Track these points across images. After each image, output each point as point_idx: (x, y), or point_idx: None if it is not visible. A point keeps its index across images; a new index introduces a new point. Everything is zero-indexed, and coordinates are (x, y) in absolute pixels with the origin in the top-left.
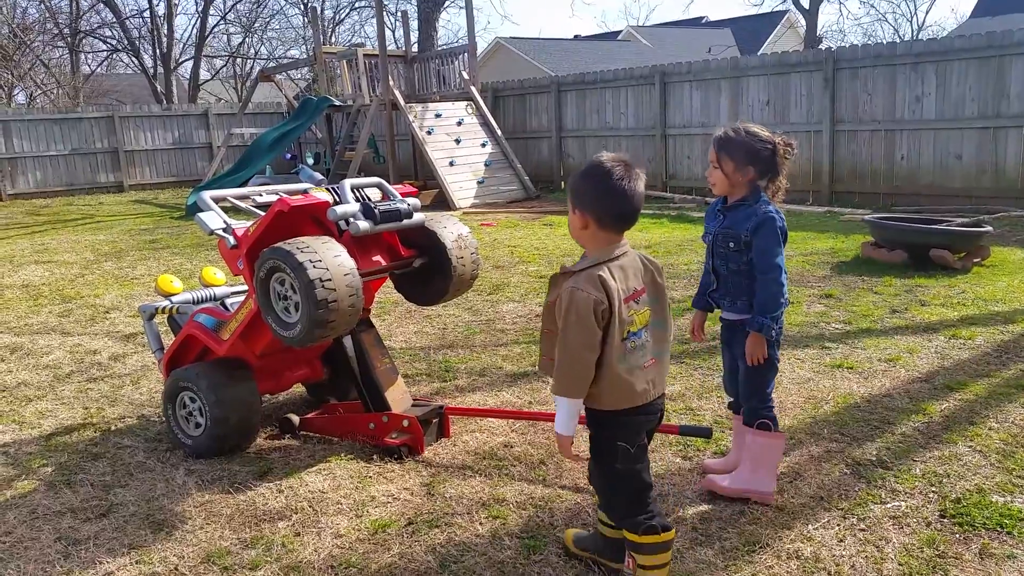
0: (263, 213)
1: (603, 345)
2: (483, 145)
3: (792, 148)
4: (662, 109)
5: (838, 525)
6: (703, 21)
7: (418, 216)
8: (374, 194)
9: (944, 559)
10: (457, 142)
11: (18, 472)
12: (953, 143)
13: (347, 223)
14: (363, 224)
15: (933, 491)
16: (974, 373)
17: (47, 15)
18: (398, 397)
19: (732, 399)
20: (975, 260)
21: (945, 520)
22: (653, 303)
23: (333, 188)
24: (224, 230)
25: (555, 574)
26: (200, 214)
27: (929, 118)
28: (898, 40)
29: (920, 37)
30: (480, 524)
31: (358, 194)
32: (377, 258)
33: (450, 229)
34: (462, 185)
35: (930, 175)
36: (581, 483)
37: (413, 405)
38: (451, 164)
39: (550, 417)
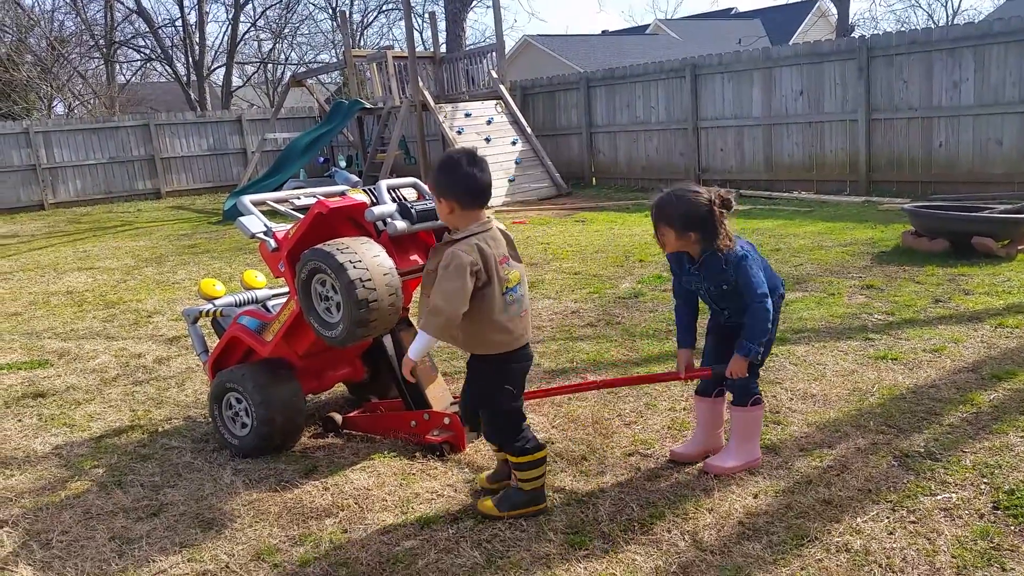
0: (302, 216)
1: (483, 301)
2: (513, 143)
3: (730, 204)
4: (694, 102)
5: (887, 518)
6: (732, 12)
7: None
8: (410, 194)
9: (999, 551)
10: (487, 141)
11: (71, 473)
12: (993, 128)
13: (384, 223)
14: (400, 224)
15: (985, 482)
16: (1022, 362)
17: (83, 27)
18: (438, 395)
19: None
20: (1019, 247)
21: (999, 512)
22: (518, 266)
23: (370, 189)
24: (265, 233)
25: (600, 568)
26: (241, 218)
27: (968, 104)
28: (933, 26)
29: (956, 22)
30: (524, 520)
31: (394, 195)
32: (414, 257)
33: None
34: (493, 183)
35: (970, 162)
36: (623, 478)
37: (453, 403)
38: None
39: (584, 387)
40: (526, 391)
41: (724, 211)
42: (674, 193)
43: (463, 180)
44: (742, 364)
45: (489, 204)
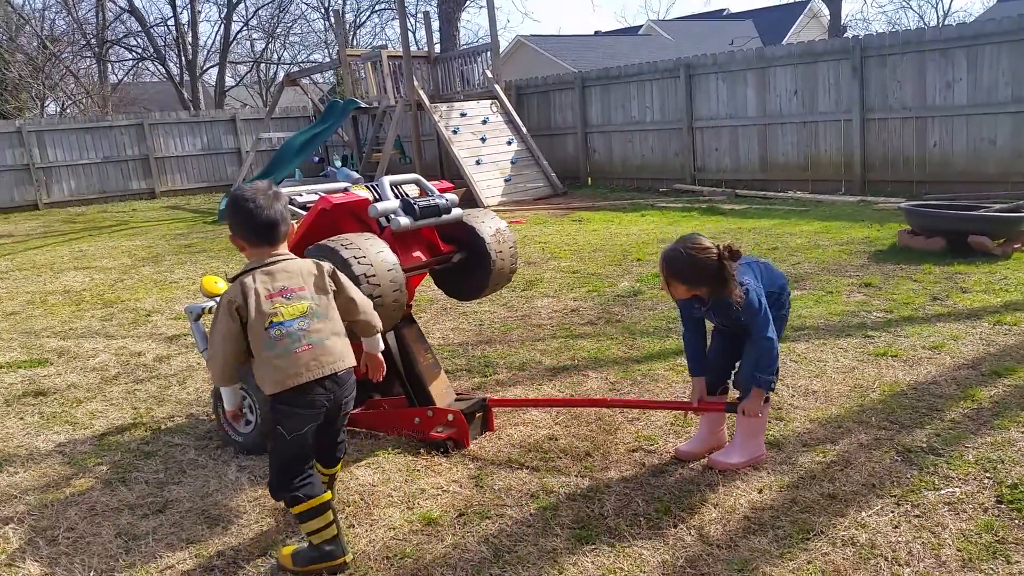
0: (304, 212)
1: (250, 338)
2: (508, 143)
3: (738, 255)
4: (688, 102)
5: (892, 512)
6: (724, 13)
7: (456, 211)
8: (412, 190)
9: (1004, 544)
10: (483, 140)
11: (75, 471)
12: (987, 128)
13: (388, 219)
14: (404, 220)
15: (988, 477)
16: (1021, 358)
17: (75, 26)
18: (442, 391)
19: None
20: (1015, 246)
21: (1002, 506)
22: (315, 297)
23: (373, 186)
24: None
25: (608, 563)
26: None
27: (961, 103)
28: (924, 27)
29: (947, 23)
30: (530, 515)
31: (397, 191)
32: (417, 254)
33: (488, 224)
34: (489, 183)
35: (964, 161)
36: (628, 474)
37: (456, 399)
38: (477, 162)
39: (596, 403)
40: (495, 398)
41: (732, 263)
42: (682, 249)
43: (244, 219)
44: (758, 399)
45: (485, 204)
